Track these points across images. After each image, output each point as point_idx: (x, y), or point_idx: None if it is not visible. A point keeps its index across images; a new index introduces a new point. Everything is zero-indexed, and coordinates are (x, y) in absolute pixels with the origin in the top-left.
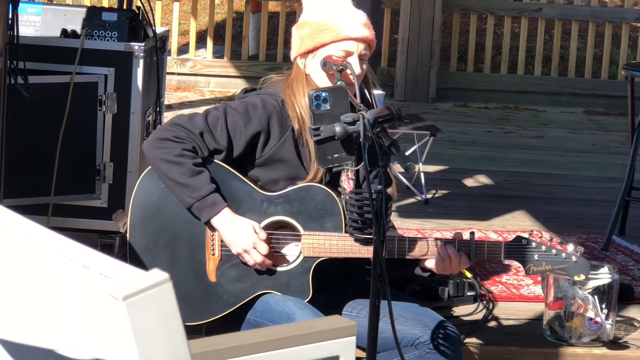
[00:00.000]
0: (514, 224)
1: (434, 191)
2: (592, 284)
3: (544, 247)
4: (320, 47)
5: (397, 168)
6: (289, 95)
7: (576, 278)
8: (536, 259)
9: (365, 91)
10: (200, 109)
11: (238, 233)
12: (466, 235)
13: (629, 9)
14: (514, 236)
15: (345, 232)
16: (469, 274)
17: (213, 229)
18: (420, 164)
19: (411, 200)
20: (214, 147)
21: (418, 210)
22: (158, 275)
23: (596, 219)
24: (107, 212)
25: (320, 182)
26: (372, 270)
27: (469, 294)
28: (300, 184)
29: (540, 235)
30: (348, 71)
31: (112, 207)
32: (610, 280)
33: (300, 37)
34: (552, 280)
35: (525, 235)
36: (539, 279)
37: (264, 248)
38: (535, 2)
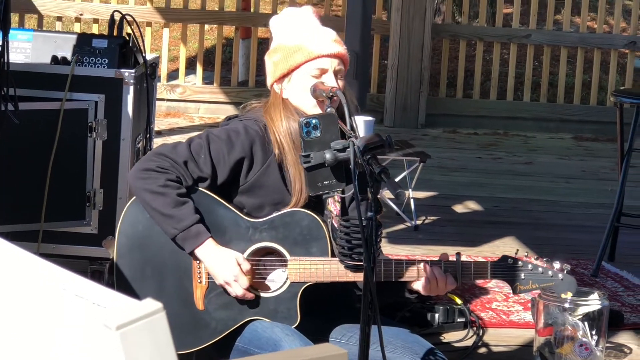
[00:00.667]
0: (504, 250)
1: (423, 217)
2: (582, 310)
3: (530, 266)
4: (294, 69)
5: (387, 195)
6: (268, 121)
7: (563, 295)
8: (523, 277)
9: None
10: (191, 135)
11: (221, 264)
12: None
13: (618, 35)
14: (500, 255)
15: (332, 256)
16: (459, 300)
17: (197, 259)
18: (410, 190)
19: (401, 226)
20: (198, 175)
21: (408, 236)
22: (151, 304)
23: (586, 245)
24: (97, 238)
25: (307, 205)
26: (363, 297)
27: (459, 320)
28: (285, 210)
29: (526, 254)
30: (337, 97)
31: (102, 234)
32: (600, 306)
33: (273, 63)
34: (542, 306)
35: (512, 252)
36: (529, 305)
37: (245, 280)
38: (524, 28)
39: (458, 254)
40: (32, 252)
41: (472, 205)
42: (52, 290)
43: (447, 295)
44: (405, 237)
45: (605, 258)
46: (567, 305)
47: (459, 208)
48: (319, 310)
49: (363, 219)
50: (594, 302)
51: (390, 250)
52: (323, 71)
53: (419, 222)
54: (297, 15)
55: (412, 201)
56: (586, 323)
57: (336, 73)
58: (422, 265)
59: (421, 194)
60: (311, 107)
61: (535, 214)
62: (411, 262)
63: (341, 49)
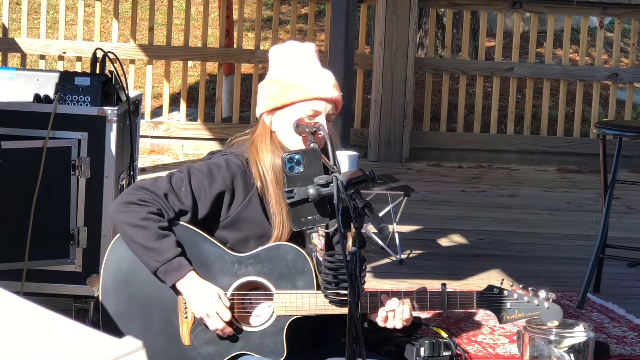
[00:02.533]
0: (489, 283)
1: (408, 251)
2: (567, 342)
3: (515, 295)
4: (289, 104)
5: (371, 229)
6: (252, 153)
7: (549, 324)
8: (509, 307)
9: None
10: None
11: (201, 298)
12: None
13: (600, 68)
14: (486, 285)
15: (318, 289)
16: (444, 334)
17: (179, 292)
18: (395, 224)
19: (386, 260)
20: (179, 207)
21: (393, 270)
22: (131, 343)
23: (571, 276)
24: (81, 276)
25: (290, 238)
26: (347, 331)
27: (445, 354)
28: (270, 244)
29: (511, 284)
30: (320, 133)
31: (87, 272)
32: (585, 338)
33: (268, 94)
34: (527, 338)
35: (497, 284)
36: (515, 337)
37: (227, 315)
38: (507, 61)
39: (444, 285)
40: (16, 292)
41: (457, 239)
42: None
43: (433, 329)
44: (390, 271)
45: (590, 290)
46: (552, 337)
47: (443, 241)
48: (308, 344)
49: (347, 254)
50: (579, 334)
51: (375, 284)
52: (316, 113)
53: (404, 256)
54: (299, 50)
55: (396, 235)
56: (572, 355)
57: (328, 117)
58: (384, 297)
59: (406, 228)
60: (296, 145)
61: (520, 247)
62: (373, 294)
63: (337, 94)
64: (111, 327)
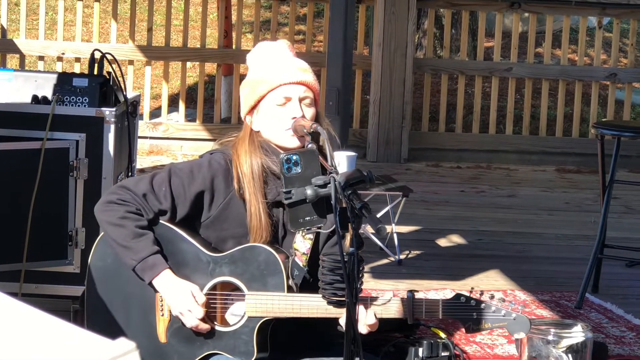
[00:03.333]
0: (488, 284)
1: (407, 252)
2: (565, 342)
3: (482, 305)
4: (260, 100)
5: (369, 230)
6: (233, 156)
7: (516, 336)
8: (475, 317)
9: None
10: None
11: (176, 295)
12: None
13: (598, 68)
14: (453, 294)
15: (289, 292)
16: (442, 334)
17: (156, 290)
18: (393, 224)
19: (385, 261)
20: (158, 208)
21: (392, 271)
22: (125, 345)
23: (569, 277)
24: (79, 277)
25: (274, 239)
26: (345, 333)
27: (443, 354)
28: (245, 245)
29: (481, 292)
30: (320, 132)
31: (85, 273)
32: (583, 338)
33: (243, 96)
34: (526, 339)
35: (465, 293)
36: (513, 338)
37: (200, 312)
38: (506, 61)
39: (410, 292)
40: (14, 293)
41: (456, 239)
42: (27, 331)
43: (431, 330)
44: (389, 272)
45: (588, 290)
46: (550, 337)
47: (442, 242)
48: (283, 344)
49: (345, 255)
50: (577, 334)
51: (374, 285)
52: (287, 99)
53: (402, 256)
54: (269, 48)
55: (395, 236)
56: (570, 355)
57: (301, 100)
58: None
59: (404, 229)
60: (280, 136)
61: (519, 247)
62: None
63: (305, 76)
64: (95, 322)
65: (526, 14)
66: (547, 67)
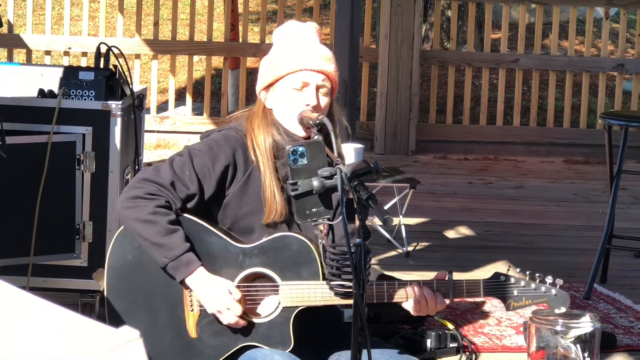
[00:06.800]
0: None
1: (415, 244)
2: (574, 332)
3: (522, 282)
4: (278, 79)
5: (377, 222)
6: (248, 129)
7: (557, 311)
8: (516, 294)
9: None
10: None
11: (212, 293)
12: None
13: (606, 59)
14: (492, 273)
15: (324, 279)
16: (450, 326)
17: (188, 288)
18: (401, 216)
19: (392, 253)
20: (186, 194)
21: (399, 263)
22: (129, 332)
23: (578, 267)
24: (87, 271)
25: (285, 219)
26: (353, 323)
27: (451, 345)
28: (275, 235)
29: (518, 270)
30: (326, 124)
31: (93, 266)
32: (592, 328)
33: (262, 72)
34: (534, 329)
35: (504, 271)
36: (521, 329)
37: (238, 309)
38: (513, 53)
39: (450, 273)
40: (22, 287)
41: (464, 231)
42: (29, 319)
43: (439, 321)
44: (397, 264)
45: (597, 280)
46: (559, 328)
47: (450, 233)
48: (316, 335)
49: (352, 246)
50: (585, 324)
51: None
52: (305, 84)
53: (410, 248)
54: (297, 29)
55: (403, 228)
56: (578, 345)
57: (318, 88)
58: (412, 285)
59: (412, 220)
60: (290, 121)
61: (527, 238)
62: (402, 283)
63: (328, 66)
64: (117, 321)
65: (533, 5)
66: (554, 58)
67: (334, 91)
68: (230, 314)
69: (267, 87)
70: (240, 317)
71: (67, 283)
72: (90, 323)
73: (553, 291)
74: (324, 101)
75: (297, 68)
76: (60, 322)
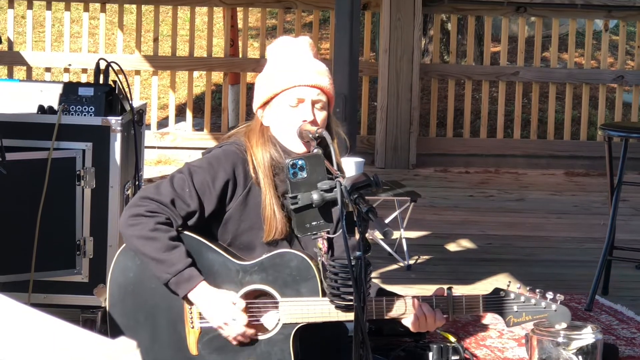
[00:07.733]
0: (496, 286)
1: (416, 257)
2: (575, 344)
3: (522, 298)
4: (274, 96)
5: (378, 235)
6: (247, 144)
7: (557, 326)
8: (515, 310)
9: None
10: None
11: (216, 306)
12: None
13: (605, 71)
14: (493, 288)
15: (323, 296)
16: (452, 338)
17: (191, 303)
18: (402, 230)
19: (394, 266)
20: (186, 211)
21: (401, 276)
22: (126, 343)
23: (579, 279)
24: (88, 286)
25: (285, 236)
26: (354, 336)
27: (453, 358)
28: (274, 252)
29: (518, 286)
30: (325, 138)
31: (93, 282)
32: (594, 340)
33: (258, 89)
34: (535, 341)
35: (504, 287)
36: (523, 341)
37: (244, 319)
38: (512, 65)
39: (449, 289)
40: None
41: (465, 244)
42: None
43: (441, 333)
44: (398, 277)
45: (598, 292)
46: (560, 339)
47: (451, 246)
48: (319, 351)
49: (352, 259)
50: (587, 336)
51: None
52: (300, 100)
53: (411, 261)
54: (291, 44)
55: (404, 241)
56: (580, 357)
57: (314, 103)
58: (411, 301)
59: (413, 234)
60: (288, 138)
61: (528, 250)
62: (401, 299)
63: (321, 80)
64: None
65: (532, 18)
66: (554, 70)
67: (330, 104)
68: (237, 324)
69: (263, 105)
70: (247, 326)
71: (68, 299)
72: (88, 334)
73: (553, 307)
74: (321, 115)
75: (290, 84)
76: (59, 334)
